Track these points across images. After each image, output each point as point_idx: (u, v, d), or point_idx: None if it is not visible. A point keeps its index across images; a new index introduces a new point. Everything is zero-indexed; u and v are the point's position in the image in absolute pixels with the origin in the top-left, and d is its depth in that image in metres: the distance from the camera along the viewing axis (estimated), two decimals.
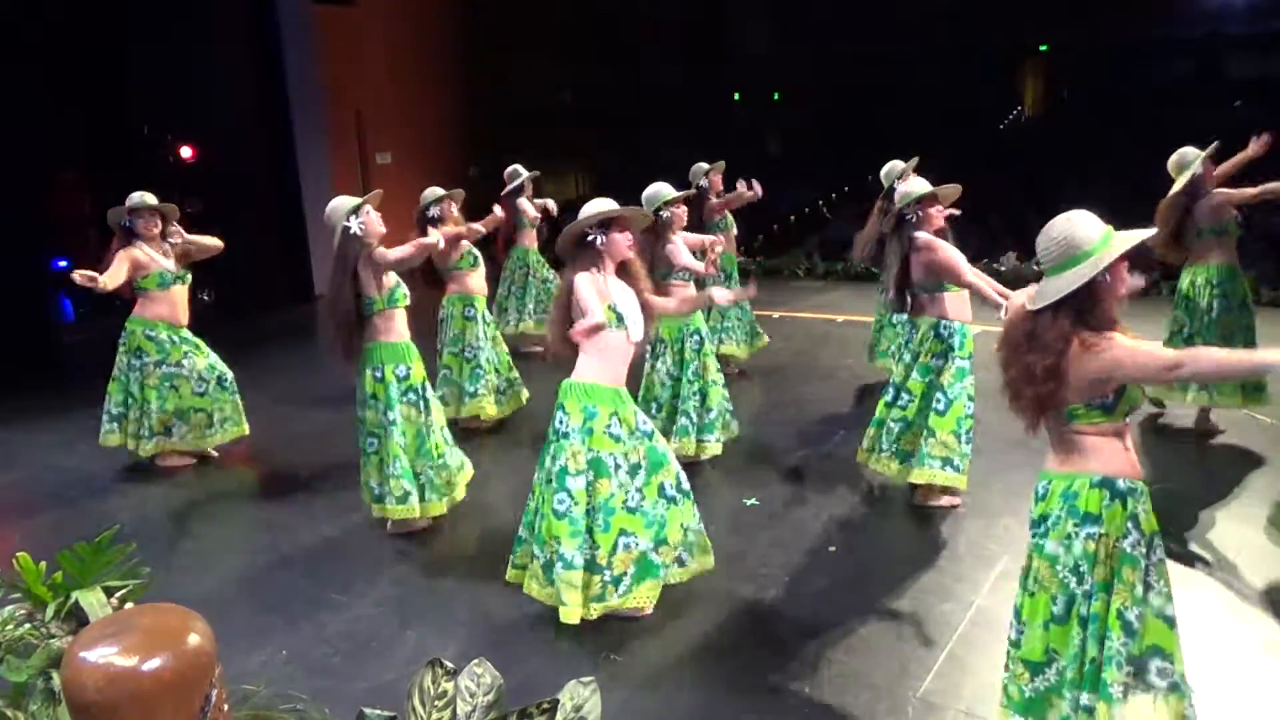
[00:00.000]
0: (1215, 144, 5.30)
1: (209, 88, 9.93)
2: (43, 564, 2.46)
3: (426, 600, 4.03)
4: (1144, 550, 2.51)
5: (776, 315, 8.59)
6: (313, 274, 10.72)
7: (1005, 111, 22.49)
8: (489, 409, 5.94)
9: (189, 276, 5.60)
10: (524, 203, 7.53)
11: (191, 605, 1.60)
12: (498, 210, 6.54)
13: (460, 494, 4.71)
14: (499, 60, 13.12)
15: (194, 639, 1.51)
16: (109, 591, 2.45)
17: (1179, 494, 4.57)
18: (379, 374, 4.42)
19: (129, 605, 2.36)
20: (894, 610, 3.74)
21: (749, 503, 4.81)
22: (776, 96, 19.19)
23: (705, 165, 7.03)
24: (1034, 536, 2.64)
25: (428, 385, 4.61)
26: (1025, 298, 2.61)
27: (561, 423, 3.60)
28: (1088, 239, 2.44)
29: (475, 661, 2.05)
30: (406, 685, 1.98)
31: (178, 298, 5.55)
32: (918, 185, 4.50)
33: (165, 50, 9.78)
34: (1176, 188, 5.20)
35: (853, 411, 6.17)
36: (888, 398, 4.68)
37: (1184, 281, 5.49)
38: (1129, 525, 2.50)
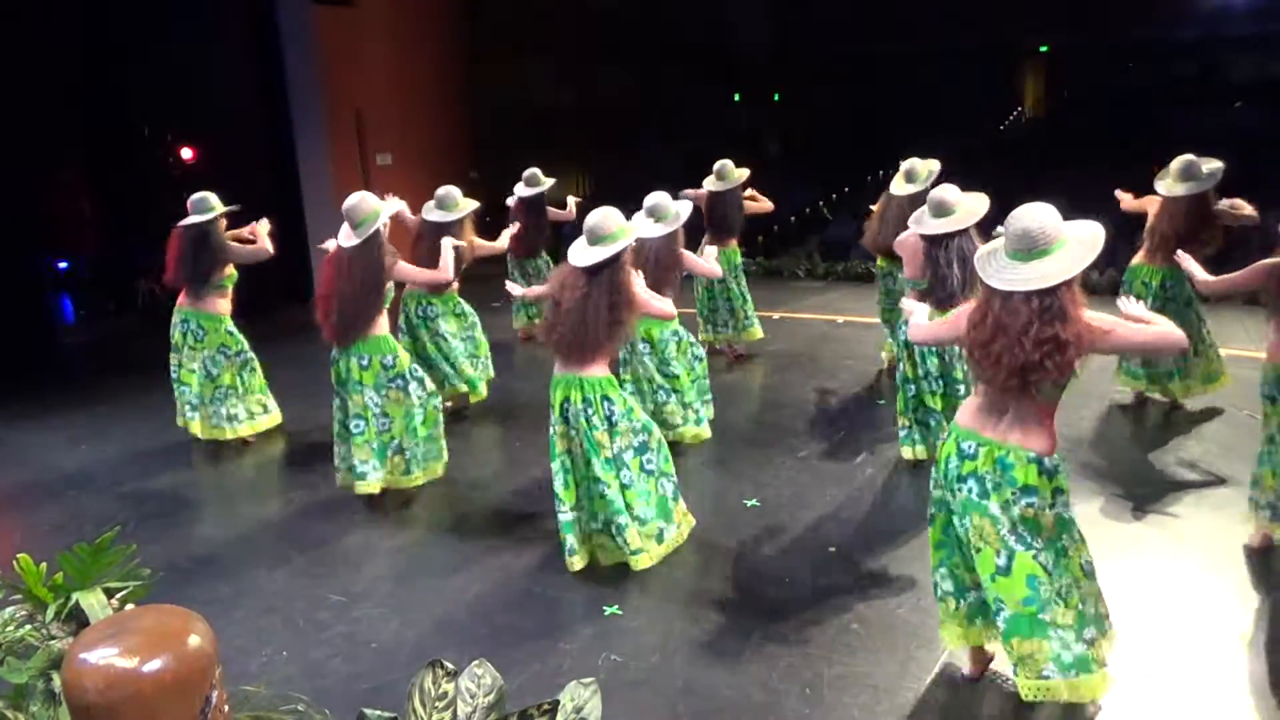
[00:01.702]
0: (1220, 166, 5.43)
1: (209, 88, 9.91)
2: (43, 565, 2.46)
3: (427, 601, 4.03)
4: (1071, 511, 2.95)
5: (776, 315, 8.58)
6: (312, 274, 10.71)
7: (1005, 112, 22.51)
8: None
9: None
10: (554, 210, 7.83)
11: (192, 606, 1.60)
12: (512, 228, 6.74)
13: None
14: (499, 60, 13.12)
15: (194, 640, 1.51)
16: (109, 593, 2.45)
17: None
18: (365, 362, 4.72)
19: (129, 606, 2.36)
20: (894, 610, 3.74)
21: (749, 504, 4.81)
22: (776, 97, 19.18)
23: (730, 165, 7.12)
24: (967, 493, 2.96)
25: (413, 370, 4.91)
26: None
27: (611, 412, 4.00)
28: (1061, 226, 2.81)
29: (476, 662, 2.05)
30: (407, 686, 1.98)
31: None
32: (972, 202, 4.58)
33: (165, 50, 9.76)
34: (1194, 190, 5.31)
35: (853, 412, 6.17)
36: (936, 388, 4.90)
37: (1134, 279, 5.61)
38: (1055, 494, 2.89)
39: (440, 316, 6.09)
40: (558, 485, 4.11)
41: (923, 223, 4.60)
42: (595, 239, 3.93)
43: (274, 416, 6.00)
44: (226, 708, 1.57)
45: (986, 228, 4.89)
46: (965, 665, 3.33)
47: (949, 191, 4.59)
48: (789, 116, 19.68)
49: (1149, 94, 19.64)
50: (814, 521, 4.60)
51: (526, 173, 7.71)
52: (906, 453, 5.08)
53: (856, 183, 16.46)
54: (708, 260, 5.31)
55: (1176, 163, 5.45)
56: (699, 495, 4.69)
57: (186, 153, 10.43)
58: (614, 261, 3.91)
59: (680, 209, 5.20)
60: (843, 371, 7.09)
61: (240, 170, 10.17)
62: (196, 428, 5.80)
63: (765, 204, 7.33)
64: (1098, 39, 18.77)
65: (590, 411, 3.99)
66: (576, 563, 4.13)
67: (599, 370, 4.02)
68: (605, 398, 4.01)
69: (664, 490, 4.18)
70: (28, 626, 2.33)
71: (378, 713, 1.93)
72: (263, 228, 5.86)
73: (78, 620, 2.34)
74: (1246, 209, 5.26)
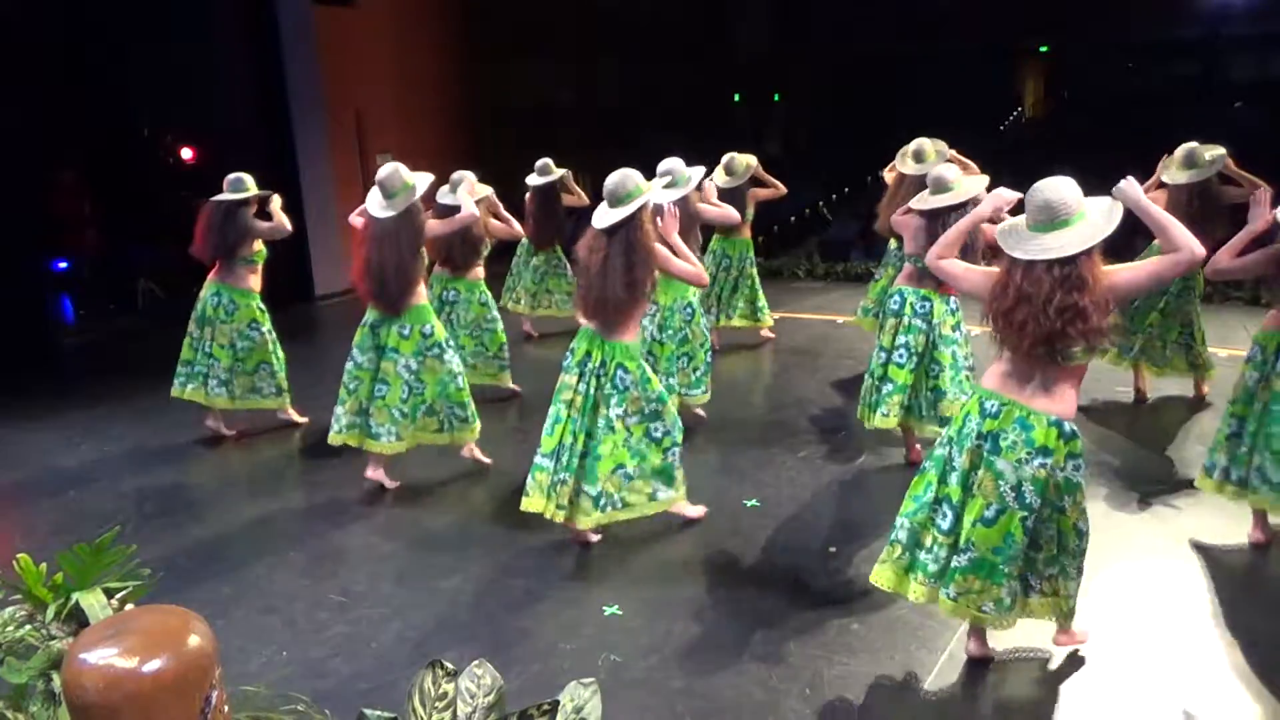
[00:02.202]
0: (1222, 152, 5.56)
1: (209, 88, 9.92)
2: (43, 565, 2.46)
3: (427, 600, 4.03)
4: (1083, 475, 3.07)
5: (777, 315, 8.58)
6: (313, 274, 10.71)
7: (1005, 112, 22.50)
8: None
9: None
10: (567, 197, 7.89)
11: (191, 606, 1.60)
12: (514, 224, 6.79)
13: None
14: (499, 60, 13.11)
15: (194, 640, 1.51)
16: (109, 593, 2.45)
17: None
18: (406, 331, 4.86)
19: (129, 607, 2.36)
20: (894, 611, 3.73)
21: (749, 504, 4.81)
22: (776, 97, 19.18)
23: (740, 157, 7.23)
24: (984, 451, 3.05)
25: (448, 340, 5.09)
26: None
27: (624, 380, 4.11)
28: (1081, 199, 2.93)
29: (476, 662, 2.05)
30: (406, 686, 1.98)
31: None
32: (971, 181, 4.80)
33: (165, 50, 9.77)
34: (1197, 178, 5.50)
35: (853, 412, 6.16)
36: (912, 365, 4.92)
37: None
38: (1068, 458, 3.01)
39: (459, 302, 6.22)
40: (545, 428, 4.26)
41: (923, 200, 4.79)
42: (615, 200, 4.02)
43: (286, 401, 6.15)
44: (226, 708, 1.57)
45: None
46: (970, 646, 3.39)
47: (949, 170, 4.82)
48: (789, 116, 19.69)
49: (1149, 94, 19.63)
50: (814, 521, 4.60)
51: (539, 163, 7.76)
52: (868, 420, 5.12)
53: (857, 183, 16.47)
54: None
55: (1179, 151, 5.63)
56: (699, 495, 4.68)
57: (186, 153, 10.43)
58: (631, 220, 3.99)
59: (694, 174, 5.36)
60: (843, 371, 7.09)
61: (240, 170, 10.18)
62: (222, 401, 5.93)
63: (778, 188, 7.37)
64: (1098, 39, 18.77)
65: (603, 374, 4.11)
66: (528, 504, 4.26)
67: (624, 336, 4.13)
68: (621, 365, 4.11)
69: (671, 459, 4.30)
70: (27, 626, 2.33)
71: (378, 713, 1.93)
72: (275, 202, 5.98)
73: (78, 620, 2.34)
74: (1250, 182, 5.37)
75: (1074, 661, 3.37)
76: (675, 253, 4.17)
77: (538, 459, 4.25)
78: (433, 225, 5.03)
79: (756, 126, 19.01)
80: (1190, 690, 3.19)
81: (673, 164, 5.41)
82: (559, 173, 7.70)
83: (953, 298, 4.91)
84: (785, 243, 13.45)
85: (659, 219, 4.20)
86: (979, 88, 19.70)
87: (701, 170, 5.52)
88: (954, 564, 3.13)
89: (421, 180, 4.83)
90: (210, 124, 10.17)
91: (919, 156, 5.92)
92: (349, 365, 5.00)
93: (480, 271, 6.32)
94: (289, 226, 6.00)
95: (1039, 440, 2.96)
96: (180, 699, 1.46)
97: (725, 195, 6.96)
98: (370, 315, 4.94)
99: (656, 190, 4.20)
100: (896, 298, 4.98)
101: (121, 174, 10.51)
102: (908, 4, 17.01)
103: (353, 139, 11.48)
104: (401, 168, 4.79)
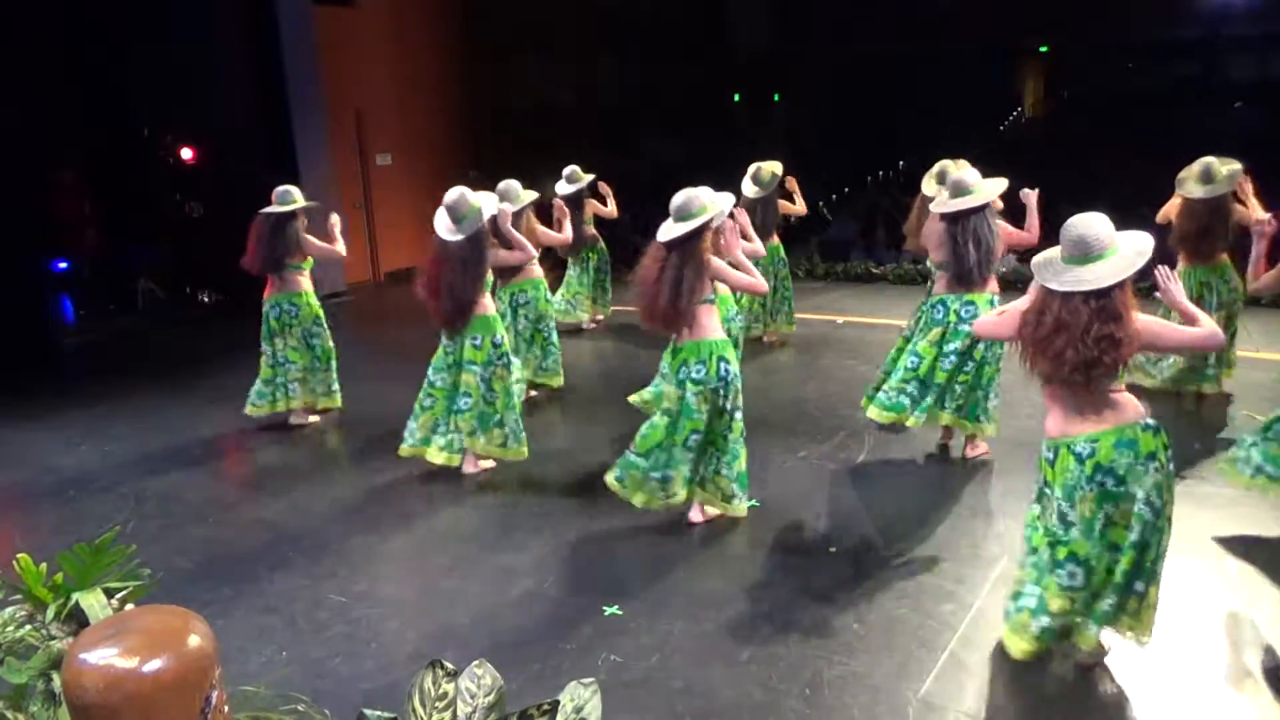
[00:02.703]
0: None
1: (209, 88, 9.92)
2: (43, 565, 2.46)
3: (427, 601, 4.03)
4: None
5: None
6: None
7: (1005, 112, 22.49)
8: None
9: None
10: (595, 204, 8.11)
11: (191, 606, 1.60)
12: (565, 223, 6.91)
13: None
14: (499, 60, 13.11)
15: (194, 640, 1.51)
16: (109, 593, 2.45)
17: None
18: (478, 342, 5.04)
19: (129, 607, 2.36)
20: (894, 611, 3.74)
21: (749, 504, 4.81)
22: (776, 97, 19.17)
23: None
24: (1109, 487, 3.05)
25: (511, 352, 5.33)
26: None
27: (727, 372, 4.31)
28: (1114, 233, 3.07)
29: (476, 663, 2.05)
30: (407, 686, 1.98)
31: None
32: (988, 184, 4.92)
33: (165, 50, 9.77)
34: (1213, 193, 5.59)
35: (853, 412, 6.16)
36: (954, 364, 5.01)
37: (1192, 280, 5.81)
38: (1165, 450, 3.09)
39: (531, 303, 6.44)
40: (644, 432, 4.46)
41: (942, 203, 4.94)
42: (680, 216, 4.23)
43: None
44: (226, 708, 1.57)
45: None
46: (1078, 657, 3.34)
47: (967, 173, 4.98)
48: (789, 116, 19.67)
49: (1149, 94, 19.61)
50: (814, 521, 4.61)
51: (566, 170, 7.91)
52: (880, 415, 5.14)
53: (857, 183, 16.46)
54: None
55: (1197, 165, 5.72)
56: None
57: (186, 153, 10.43)
58: (693, 236, 4.20)
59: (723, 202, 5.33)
60: (843, 371, 7.10)
61: (240, 170, 10.19)
62: (298, 403, 6.15)
63: (798, 208, 7.57)
64: (1098, 39, 18.75)
65: (706, 372, 4.28)
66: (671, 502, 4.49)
67: (711, 333, 4.31)
68: (722, 358, 4.31)
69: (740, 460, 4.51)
70: (28, 626, 2.33)
71: (378, 713, 1.93)
72: (335, 225, 6.13)
73: (78, 620, 2.34)
74: (1257, 213, 5.38)
75: (1077, 664, 3.37)
76: (737, 266, 4.38)
77: (631, 457, 4.44)
78: (501, 255, 5.22)
79: (756, 126, 19.00)
80: (1196, 693, 3.19)
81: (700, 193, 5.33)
82: (587, 179, 7.85)
83: (995, 296, 4.99)
84: (785, 243, 13.42)
85: (722, 236, 4.40)
86: (979, 88, 19.67)
87: (731, 199, 5.37)
88: (1136, 590, 3.13)
89: (487, 202, 5.01)
90: (210, 124, 10.17)
91: (942, 178, 5.97)
92: (425, 383, 5.19)
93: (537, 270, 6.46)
94: (344, 251, 6.21)
95: (1145, 448, 3.05)
96: (180, 699, 1.46)
97: (755, 206, 6.98)
98: (445, 335, 5.15)
99: (722, 206, 4.39)
100: (940, 307, 5.05)
101: (121, 174, 10.50)
102: (908, 4, 16.99)
103: (353, 139, 11.49)
104: (467, 191, 4.96)
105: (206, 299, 10.83)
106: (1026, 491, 4.78)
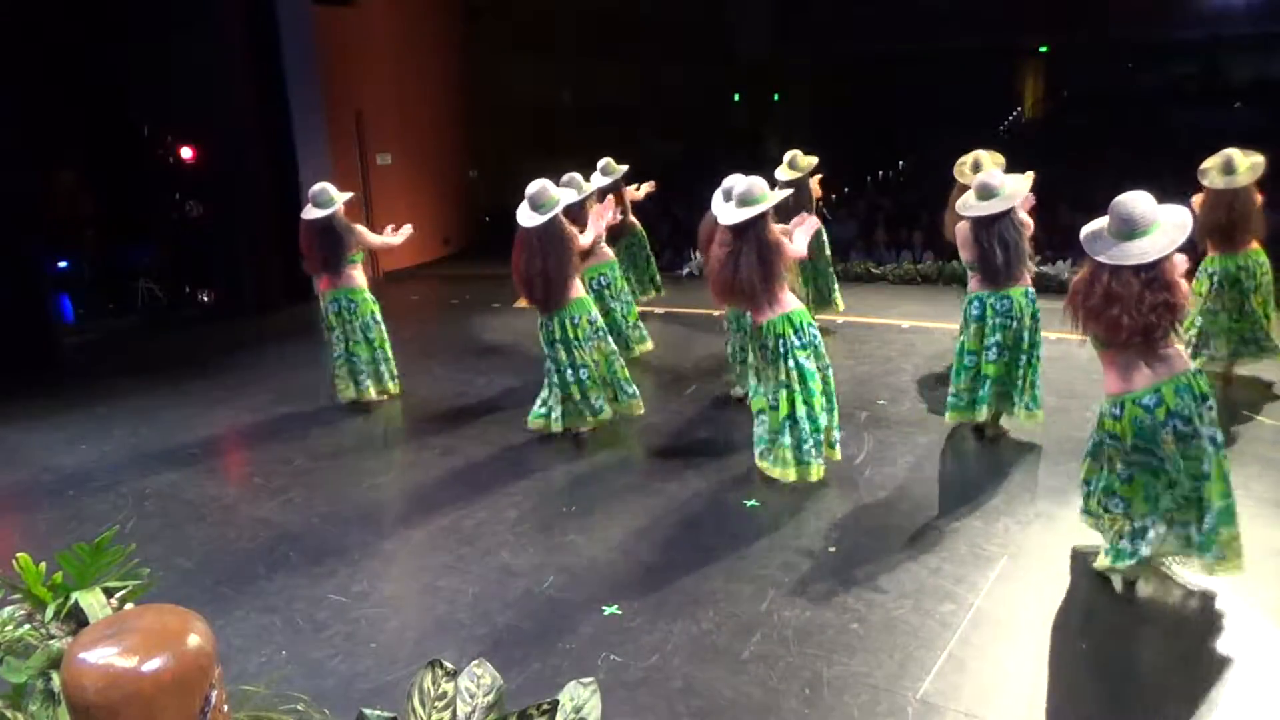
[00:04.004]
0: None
1: (209, 88, 9.91)
2: (43, 565, 2.46)
3: (427, 601, 4.03)
4: None
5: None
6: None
7: (1005, 112, 22.49)
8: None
9: None
10: (630, 192, 8.20)
11: (191, 606, 1.60)
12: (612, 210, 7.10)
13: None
14: (499, 60, 13.11)
15: (194, 640, 1.51)
16: (109, 592, 2.45)
17: None
18: (575, 320, 5.44)
19: (129, 606, 2.36)
20: (894, 611, 3.73)
21: (749, 504, 4.81)
22: (776, 97, 19.19)
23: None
24: (1177, 428, 3.39)
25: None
26: None
27: (814, 336, 4.74)
28: (1157, 210, 3.38)
29: (475, 662, 2.05)
30: (407, 686, 1.98)
31: None
32: (1014, 185, 5.02)
33: (165, 50, 9.76)
34: (1235, 184, 5.66)
35: (853, 412, 6.16)
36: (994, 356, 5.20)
37: (1229, 265, 5.89)
38: (1213, 391, 3.51)
39: (614, 283, 6.94)
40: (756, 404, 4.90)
41: (968, 206, 5.01)
42: (743, 202, 4.57)
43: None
44: (226, 707, 1.57)
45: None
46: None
47: (993, 176, 5.04)
48: (789, 116, 19.68)
49: (1149, 94, 19.63)
50: (814, 521, 4.60)
51: (601, 162, 7.99)
52: (956, 418, 5.37)
53: (857, 183, 16.47)
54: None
55: (1219, 156, 5.76)
56: (698, 496, 4.68)
57: (186, 152, 10.43)
58: (759, 220, 4.56)
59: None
60: (843, 371, 7.08)
61: (240, 170, 10.19)
62: (370, 393, 6.38)
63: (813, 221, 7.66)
64: (1098, 39, 18.76)
65: (797, 337, 4.64)
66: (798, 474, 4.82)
67: (790, 305, 4.67)
68: (808, 324, 4.71)
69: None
70: (27, 626, 2.33)
71: (378, 713, 1.93)
72: (404, 232, 6.54)
73: (77, 620, 2.34)
74: None
75: (1074, 657, 3.37)
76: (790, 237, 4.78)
77: (758, 430, 4.86)
78: (580, 237, 5.55)
79: (756, 126, 19.02)
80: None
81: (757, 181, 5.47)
82: (622, 169, 7.94)
83: (1029, 288, 5.15)
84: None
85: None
86: (979, 88, 19.69)
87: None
88: (1206, 524, 3.46)
89: (565, 195, 5.37)
90: (210, 124, 10.17)
91: (977, 167, 6.13)
92: (546, 363, 5.59)
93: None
94: (398, 241, 6.59)
95: (1201, 390, 3.42)
96: (180, 698, 1.46)
97: (789, 187, 7.06)
98: (540, 317, 5.52)
99: (777, 195, 4.69)
100: (976, 303, 5.19)
101: (121, 174, 10.50)
102: (908, 4, 17.01)
103: (353, 139, 11.49)
104: (549, 184, 5.32)
105: (206, 299, 10.83)
106: (1027, 492, 4.81)
